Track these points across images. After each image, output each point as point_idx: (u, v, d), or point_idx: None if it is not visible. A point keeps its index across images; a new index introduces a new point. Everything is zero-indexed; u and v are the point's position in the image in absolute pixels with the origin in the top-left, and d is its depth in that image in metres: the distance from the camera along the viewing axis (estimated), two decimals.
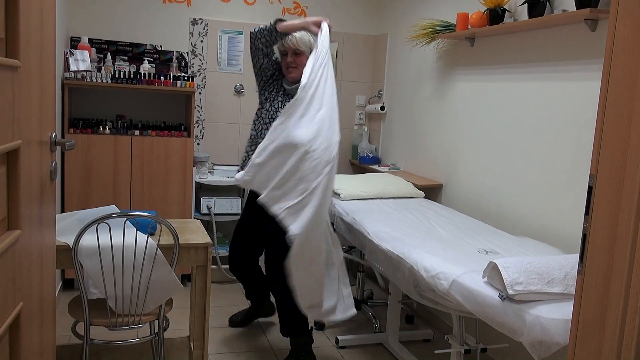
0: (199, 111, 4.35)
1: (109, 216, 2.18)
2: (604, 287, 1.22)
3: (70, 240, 2.22)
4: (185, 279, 4.02)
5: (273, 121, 2.60)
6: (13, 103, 1.31)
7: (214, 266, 4.05)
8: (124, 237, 2.18)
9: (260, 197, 2.54)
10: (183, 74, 3.95)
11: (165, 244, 2.32)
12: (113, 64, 3.85)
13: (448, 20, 3.50)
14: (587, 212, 1.27)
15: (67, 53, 3.65)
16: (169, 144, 3.86)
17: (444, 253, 2.38)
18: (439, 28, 3.52)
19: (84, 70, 3.62)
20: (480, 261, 2.22)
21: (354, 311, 2.80)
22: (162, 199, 3.87)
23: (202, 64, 4.33)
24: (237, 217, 4.10)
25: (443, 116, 3.69)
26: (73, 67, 3.61)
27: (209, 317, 2.57)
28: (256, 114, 2.98)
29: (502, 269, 1.94)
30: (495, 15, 3.02)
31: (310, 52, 2.73)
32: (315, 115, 2.49)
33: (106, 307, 2.27)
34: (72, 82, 3.61)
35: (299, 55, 2.79)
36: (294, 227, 2.43)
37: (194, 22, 4.28)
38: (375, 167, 4.31)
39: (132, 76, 3.74)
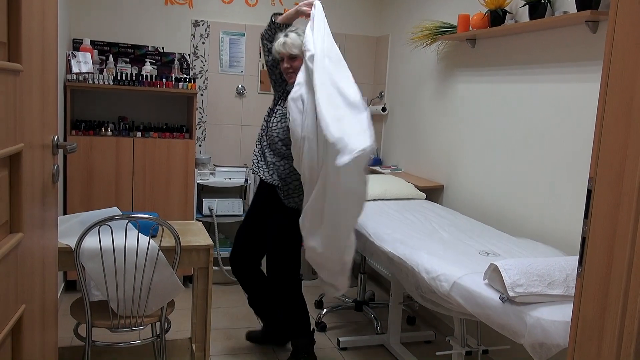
0: (200, 113, 4.36)
1: (111, 218, 2.19)
2: (603, 290, 1.23)
3: (72, 243, 2.23)
4: (187, 280, 4.03)
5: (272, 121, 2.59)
6: (15, 107, 1.31)
7: (216, 268, 4.06)
8: (126, 239, 2.19)
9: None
10: (185, 76, 3.95)
11: (166, 246, 2.33)
12: (115, 65, 3.86)
13: (449, 21, 3.50)
14: (586, 216, 1.27)
15: (69, 55, 3.67)
16: (171, 145, 3.87)
17: (445, 254, 2.38)
18: (440, 29, 3.53)
19: (86, 72, 3.63)
20: (481, 263, 2.22)
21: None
22: (164, 201, 3.88)
23: (204, 65, 4.34)
24: (239, 219, 4.13)
25: (444, 117, 3.69)
26: (75, 69, 3.62)
27: (210, 318, 2.57)
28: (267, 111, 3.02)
29: (503, 271, 1.94)
30: (496, 17, 3.02)
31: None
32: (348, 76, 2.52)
33: (108, 309, 2.28)
34: (74, 84, 3.62)
35: (295, 60, 2.80)
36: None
37: (196, 24, 4.28)
38: (377, 168, 4.31)
39: (134, 78, 3.75)
